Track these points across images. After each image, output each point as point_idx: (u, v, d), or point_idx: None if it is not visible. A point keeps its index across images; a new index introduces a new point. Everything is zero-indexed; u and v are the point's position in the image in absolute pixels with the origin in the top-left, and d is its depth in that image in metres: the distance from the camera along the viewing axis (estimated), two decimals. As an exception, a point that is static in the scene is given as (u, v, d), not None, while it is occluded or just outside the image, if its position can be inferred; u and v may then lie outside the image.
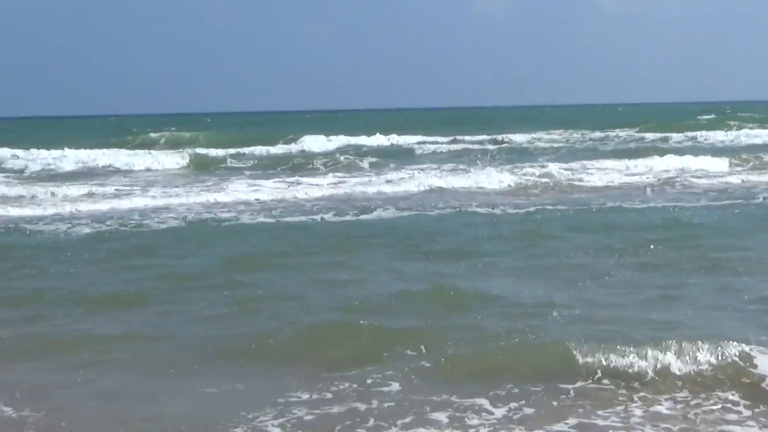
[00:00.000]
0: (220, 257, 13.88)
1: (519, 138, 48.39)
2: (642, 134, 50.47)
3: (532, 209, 19.17)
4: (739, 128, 51.50)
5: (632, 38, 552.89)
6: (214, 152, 40.76)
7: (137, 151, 40.76)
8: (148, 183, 27.96)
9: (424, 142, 46.43)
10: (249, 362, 8.65)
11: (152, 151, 40.46)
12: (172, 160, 35.94)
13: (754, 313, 9.93)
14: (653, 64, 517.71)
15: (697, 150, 35.68)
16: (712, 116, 66.53)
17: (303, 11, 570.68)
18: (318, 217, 18.67)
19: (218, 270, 12.80)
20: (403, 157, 37.49)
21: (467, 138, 48.60)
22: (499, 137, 48.11)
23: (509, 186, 24.68)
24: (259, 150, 41.84)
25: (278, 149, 43.71)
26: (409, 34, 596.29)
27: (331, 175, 28.89)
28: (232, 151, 40.82)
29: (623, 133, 51.72)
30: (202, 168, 34.26)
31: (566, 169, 27.26)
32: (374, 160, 34.44)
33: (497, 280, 11.78)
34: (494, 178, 25.29)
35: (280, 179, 27.67)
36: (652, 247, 13.68)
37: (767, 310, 10.05)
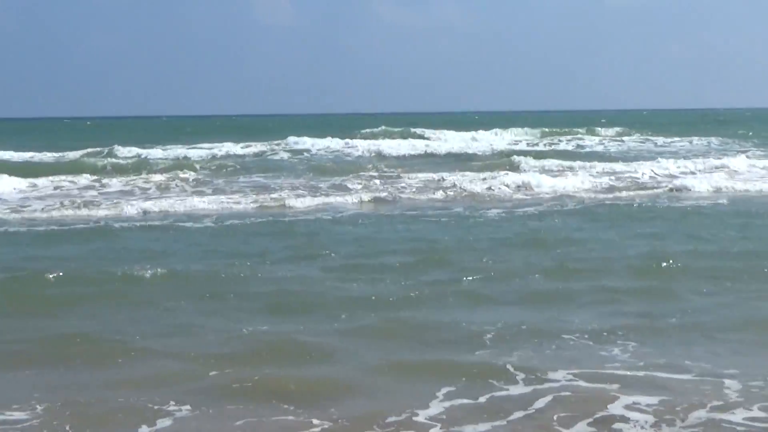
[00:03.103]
0: None
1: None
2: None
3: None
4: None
5: (414, 48, 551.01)
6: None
7: None
8: None
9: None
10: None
11: None
12: None
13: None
14: (436, 73, 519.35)
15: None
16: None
17: (86, 16, 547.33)
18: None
19: None
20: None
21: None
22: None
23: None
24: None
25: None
26: (195, 42, 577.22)
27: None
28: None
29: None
30: None
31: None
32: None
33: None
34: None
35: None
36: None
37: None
